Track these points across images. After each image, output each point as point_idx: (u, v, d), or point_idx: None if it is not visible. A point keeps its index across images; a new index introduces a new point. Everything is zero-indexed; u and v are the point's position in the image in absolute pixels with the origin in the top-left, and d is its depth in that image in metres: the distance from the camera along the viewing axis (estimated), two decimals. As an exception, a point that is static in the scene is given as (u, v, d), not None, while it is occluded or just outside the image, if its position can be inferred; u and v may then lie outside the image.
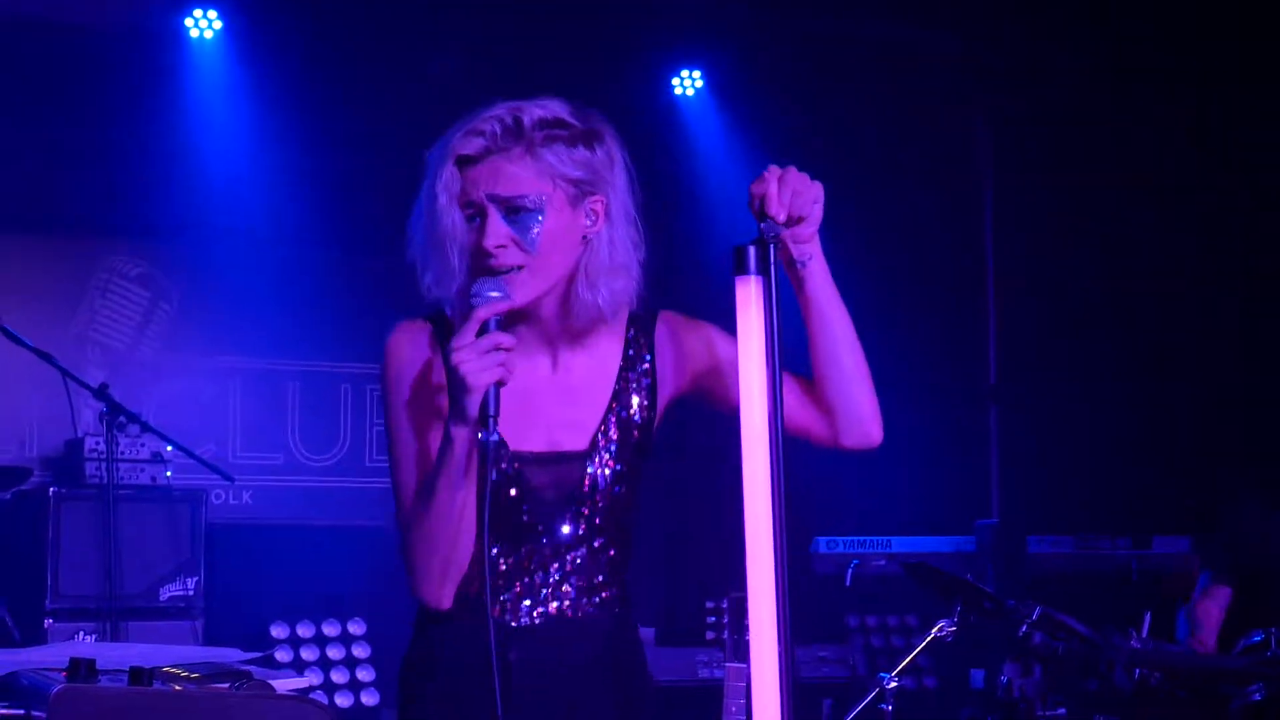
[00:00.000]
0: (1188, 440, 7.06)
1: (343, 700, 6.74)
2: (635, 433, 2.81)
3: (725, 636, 4.98)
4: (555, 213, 2.67)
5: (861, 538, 7.11)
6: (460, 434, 2.57)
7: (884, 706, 4.52)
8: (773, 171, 2.58)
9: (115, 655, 2.78)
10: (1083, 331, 7.56)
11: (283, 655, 6.71)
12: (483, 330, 2.55)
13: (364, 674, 6.86)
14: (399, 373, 2.76)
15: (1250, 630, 4.58)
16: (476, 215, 2.67)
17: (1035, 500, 7.28)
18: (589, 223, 2.72)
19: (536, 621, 2.76)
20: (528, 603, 2.76)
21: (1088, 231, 7.56)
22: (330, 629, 6.91)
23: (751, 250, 2.45)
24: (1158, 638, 4.75)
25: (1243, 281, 7.12)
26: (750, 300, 2.43)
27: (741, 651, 4.93)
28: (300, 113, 7.19)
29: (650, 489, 8.60)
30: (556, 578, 2.78)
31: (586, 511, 2.78)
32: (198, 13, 7.12)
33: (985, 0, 7.00)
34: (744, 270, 2.45)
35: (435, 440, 2.66)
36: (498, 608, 2.74)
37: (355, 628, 6.93)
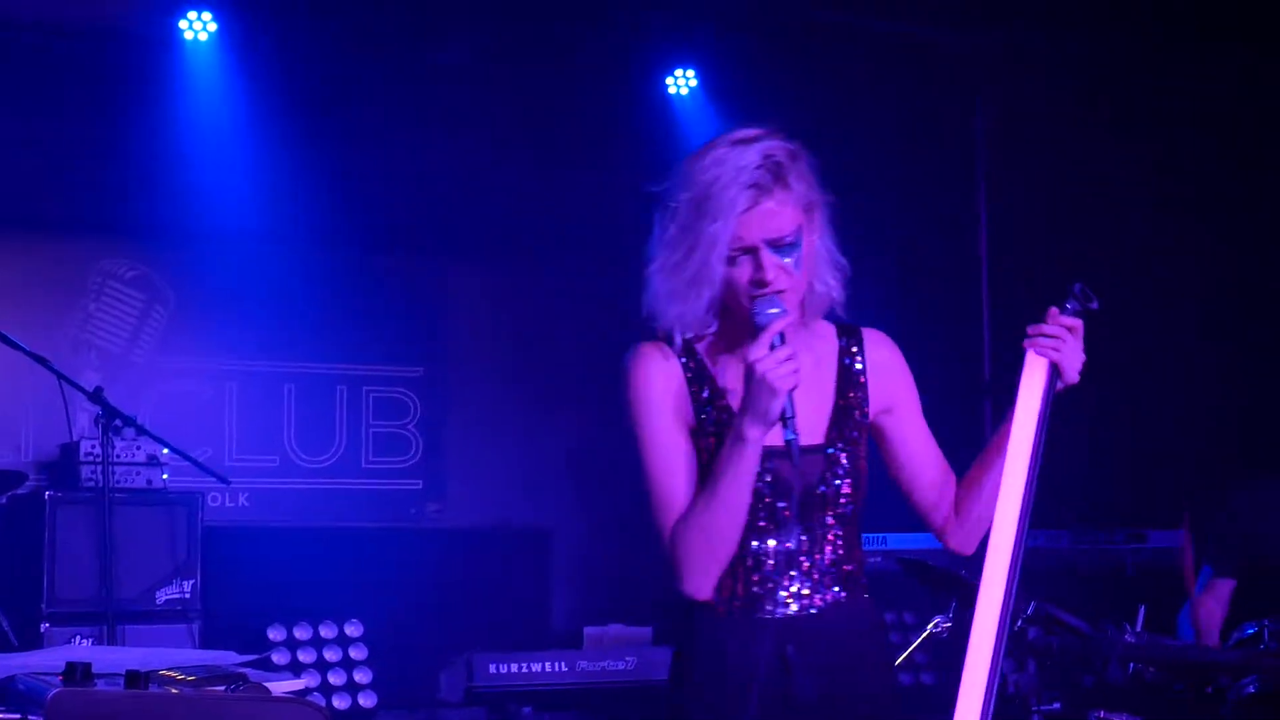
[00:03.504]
0: (1182, 435, 7.07)
1: (340, 702, 6.74)
2: (858, 432, 3.01)
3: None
4: (807, 236, 2.93)
5: (857, 534, 7.12)
6: (755, 434, 2.82)
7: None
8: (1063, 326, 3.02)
9: (111, 659, 2.79)
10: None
11: (280, 658, 6.70)
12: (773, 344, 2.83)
13: (361, 676, 6.85)
14: (650, 388, 3.00)
15: (1243, 623, 4.58)
16: (746, 253, 2.90)
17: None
18: (818, 231, 2.98)
19: (809, 612, 2.95)
20: (797, 594, 2.95)
21: (1082, 227, 7.57)
22: (327, 631, 6.90)
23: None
24: (1153, 631, 4.76)
25: (1238, 276, 7.13)
26: (1039, 364, 2.97)
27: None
28: (293, 115, 7.20)
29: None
30: (818, 570, 2.96)
31: (833, 503, 2.96)
32: (192, 15, 7.12)
33: (992, 3, 7.00)
34: None
35: (688, 444, 2.96)
36: (770, 602, 2.94)
37: (352, 629, 6.93)
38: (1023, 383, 2.97)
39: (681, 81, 7.83)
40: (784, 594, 2.95)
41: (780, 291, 2.89)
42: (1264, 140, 6.98)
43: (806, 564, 2.96)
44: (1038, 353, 3.00)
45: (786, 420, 2.82)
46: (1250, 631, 4.50)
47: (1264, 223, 7.02)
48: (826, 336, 3.07)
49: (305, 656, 6.82)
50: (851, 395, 3.03)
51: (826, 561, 2.96)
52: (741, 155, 2.89)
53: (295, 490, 7.63)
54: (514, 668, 6.26)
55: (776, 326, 2.84)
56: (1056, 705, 4.65)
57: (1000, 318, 7.77)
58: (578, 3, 7.07)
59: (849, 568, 3.01)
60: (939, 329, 7.67)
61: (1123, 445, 6.91)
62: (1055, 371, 2.98)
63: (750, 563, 2.94)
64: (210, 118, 7.24)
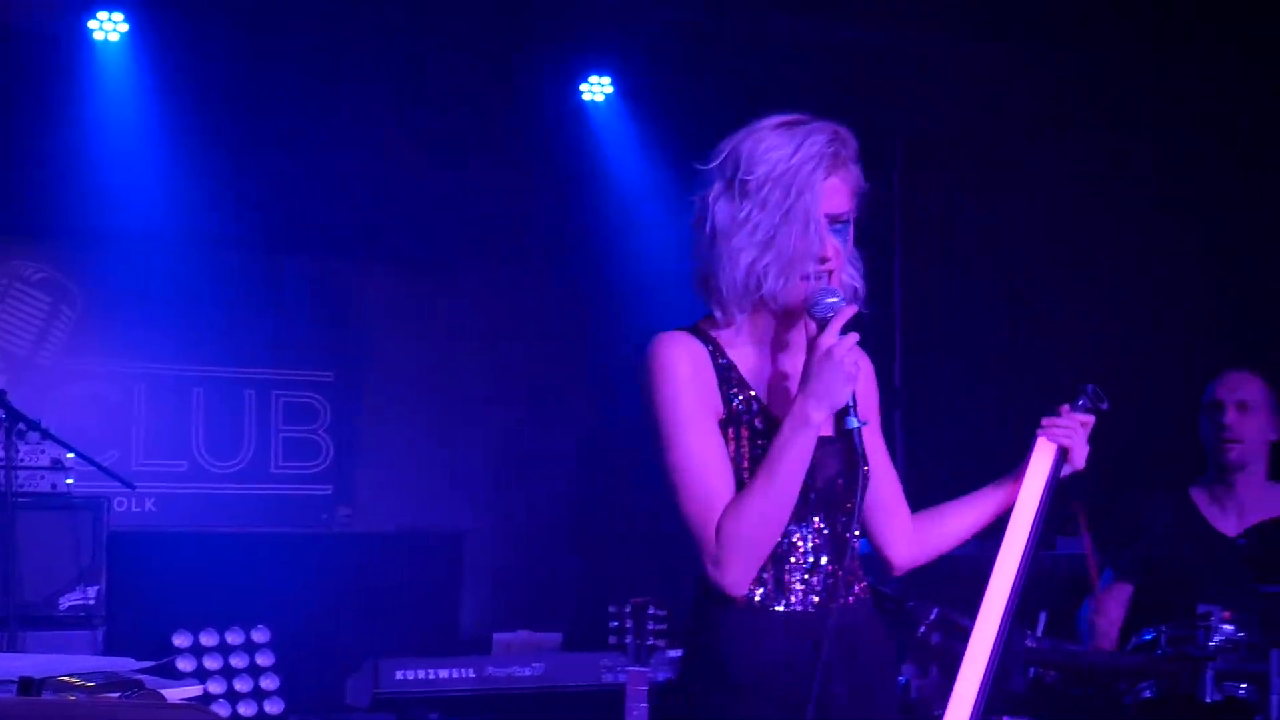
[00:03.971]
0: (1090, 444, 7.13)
1: (246, 709, 6.70)
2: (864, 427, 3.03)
3: (628, 641, 5.00)
4: (853, 223, 2.98)
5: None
6: (820, 418, 2.85)
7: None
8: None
9: (8, 666, 2.76)
10: (985, 334, 7.65)
11: (186, 664, 6.65)
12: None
13: (268, 682, 6.82)
14: (682, 375, 2.93)
15: (1141, 629, 4.65)
16: None
17: (938, 502, 7.33)
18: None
19: (833, 605, 2.93)
20: (826, 587, 2.96)
21: (992, 238, 7.65)
22: (234, 637, 6.86)
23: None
24: (1054, 637, 4.81)
25: (1140, 289, 7.23)
26: (1045, 452, 3.24)
27: (643, 656, 4.95)
28: (203, 116, 7.15)
29: (559, 494, 8.56)
30: (843, 564, 2.96)
31: (857, 495, 2.95)
32: (102, 15, 7.05)
33: (902, 5, 7.04)
34: None
35: (720, 434, 2.92)
36: (796, 594, 2.94)
37: (259, 636, 6.89)
38: (1032, 461, 3.24)
39: (597, 88, 7.84)
40: (811, 586, 2.95)
41: (830, 272, 2.93)
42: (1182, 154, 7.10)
43: (833, 555, 2.96)
44: (1049, 439, 3.23)
45: (850, 408, 2.87)
46: (1148, 637, 4.56)
47: (1177, 236, 7.13)
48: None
49: (211, 663, 6.77)
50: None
51: (849, 555, 2.97)
52: (810, 130, 2.96)
53: (203, 495, 7.57)
54: (421, 674, 6.24)
55: (847, 314, 2.88)
56: (958, 710, 4.69)
57: (910, 326, 7.84)
58: (493, 7, 7.07)
59: (859, 568, 3.04)
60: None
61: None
62: (1063, 456, 3.24)
63: (780, 553, 2.93)
64: (120, 119, 7.17)
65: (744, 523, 2.85)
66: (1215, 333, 6.87)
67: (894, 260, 7.92)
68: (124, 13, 7.04)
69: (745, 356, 2.99)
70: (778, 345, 3.01)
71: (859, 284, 3.00)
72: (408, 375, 7.95)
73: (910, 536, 3.27)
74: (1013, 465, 3.33)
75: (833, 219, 2.92)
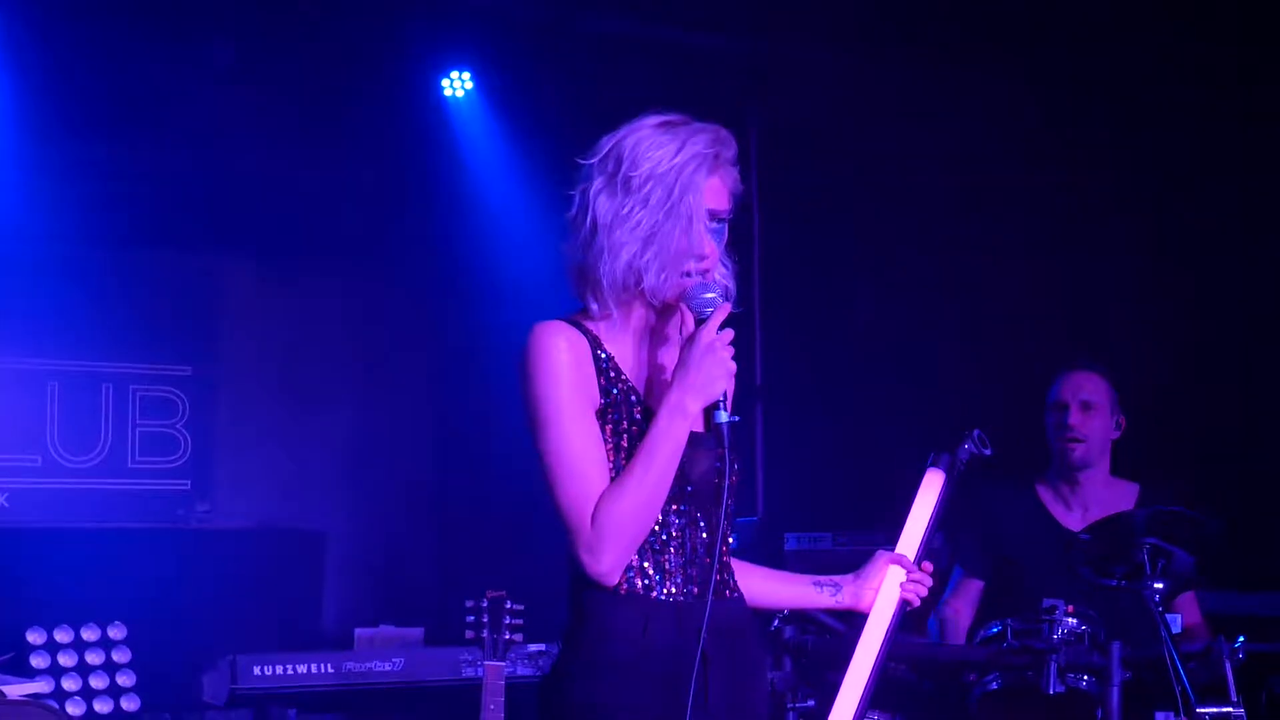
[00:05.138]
0: (939, 441, 7.25)
1: (102, 705, 6.61)
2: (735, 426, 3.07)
3: (485, 635, 5.03)
4: (728, 224, 3.04)
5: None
6: (696, 409, 2.91)
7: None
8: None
9: None
10: (845, 332, 7.75)
11: (40, 661, 6.55)
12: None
13: (124, 679, 6.73)
14: (562, 364, 2.95)
15: (988, 622, 4.76)
16: None
17: (796, 498, 7.43)
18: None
19: (708, 598, 2.94)
20: (702, 579, 2.99)
21: (852, 237, 7.75)
22: (90, 633, 6.76)
23: (947, 458, 3.55)
24: (904, 631, 4.91)
25: (988, 284, 7.37)
26: (931, 487, 3.48)
27: (500, 650, 4.99)
28: (60, 108, 7.05)
29: (420, 488, 8.50)
30: (716, 558, 2.97)
31: (727, 489, 3.01)
32: (-47, 6, 6.93)
33: (761, 4, 7.11)
34: (938, 466, 3.57)
35: (596, 423, 2.95)
36: (674, 584, 2.97)
37: (115, 632, 6.80)
38: (916, 498, 3.48)
39: (458, 84, 7.83)
40: (690, 577, 2.99)
41: (706, 270, 2.98)
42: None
43: (710, 547, 2.99)
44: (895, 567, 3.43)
45: (721, 403, 2.92)
46: (994, 630, 4.67)
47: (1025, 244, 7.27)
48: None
49: (66, 659, 6.67)
50: None
51: (722, 550, 3.01)
52: (693, 130, 3.02)
53: (58, 490, 7.45)
54: (279, 669, 6.20)
55: (725, 310, 2.94)
56: (811, 703, 4.78)
57: (771, 323, 7.91)
58: (348, 1, 7.05)
59: (731, 560, 3.09)
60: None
61: (884, 447, 7.08)
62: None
63: (659, 544, 2.97)
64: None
65: (619, 510, 2.88)
66: (1056, 328, 7.03)
67: (753, 256, 8.00)
68: (-25, -1, 6.93)
69: (622, 349, 3.04)
70: (653, 338, 3.07)
71: (730, 284, 3.06)
72: (267, 370, 7.90)
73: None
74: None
75: (712, 216, 2.99)
